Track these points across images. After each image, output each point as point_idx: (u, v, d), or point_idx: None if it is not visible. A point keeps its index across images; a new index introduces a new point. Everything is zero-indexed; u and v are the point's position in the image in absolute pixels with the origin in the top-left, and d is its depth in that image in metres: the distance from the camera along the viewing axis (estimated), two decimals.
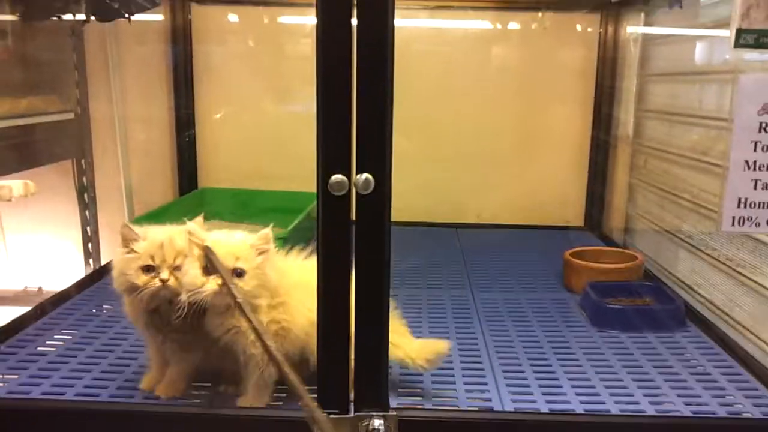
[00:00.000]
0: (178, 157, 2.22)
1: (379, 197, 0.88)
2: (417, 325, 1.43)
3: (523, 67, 2.22)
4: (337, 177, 0.87)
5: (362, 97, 0.86)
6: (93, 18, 1.90)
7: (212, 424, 1.01)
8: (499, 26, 2.19)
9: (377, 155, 0.88)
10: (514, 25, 2.19)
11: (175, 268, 1.04)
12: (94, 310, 1.51)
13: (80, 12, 1.93)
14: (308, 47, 2.15)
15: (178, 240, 1.05)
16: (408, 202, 2.04)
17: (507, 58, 2.23)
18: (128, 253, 1.04)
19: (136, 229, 1.05)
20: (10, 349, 1.28)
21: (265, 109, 2.25)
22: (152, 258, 1.03)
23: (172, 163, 2.23)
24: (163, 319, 1.06)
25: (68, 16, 1.94)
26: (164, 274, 1.03)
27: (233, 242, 1.03)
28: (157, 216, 1.87)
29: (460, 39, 2.21)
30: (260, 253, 1.03)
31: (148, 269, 1.03)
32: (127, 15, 1.87)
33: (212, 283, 0.99)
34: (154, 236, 1.05)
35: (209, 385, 1.15)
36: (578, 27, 2.20)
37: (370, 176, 0.87)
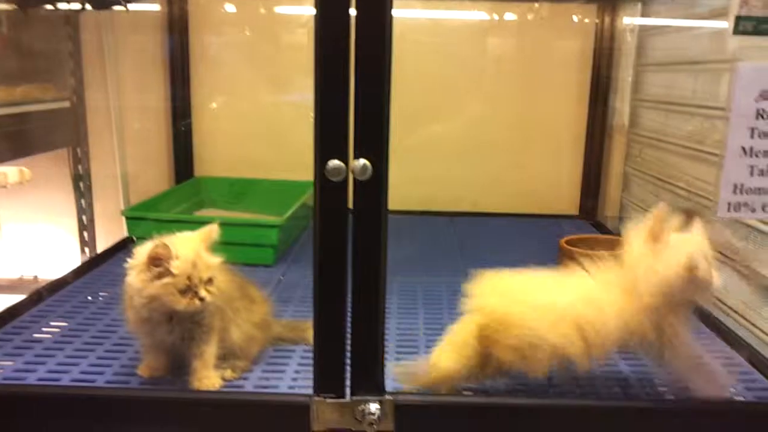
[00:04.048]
0: (174, 146, 2.22)
1: (377, 183, 0.88)
2: (412, 312, 1.44)
3: (519, 57, 2.22)
4: (334, 163, 0.87)
5: (360, 83, 0.86)
6: (88, 6, 1.89)
7: (208, 407, 1.02)
8: (495, 17, 2.18)
9: (375, 141, 0.88)
10: (510, 16, 2.19)
11: (207, 282, 1.02)
12: (89, 298, 1.51)
13: (75, 0, 1.92)
14: (304, 37, 2.15)
15: (204, 254, 1.03)
16: (403, 190, 2.04)
17: (503, 48, 2.23)
18: (163, 274, 0.98)
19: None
20: (5, 336, 1.28)
21: (261, 98, 2.24)
22: (189, 278, 0.99)
23: (168, 152, 2.23)
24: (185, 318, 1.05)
25: (64, 5, 1.93)
26: (202, 293, 1.00)
27: None
28: (152, 205, 1.88)
29: (456, 29, 2.21)
30: None
31: (184, 290, 0.99)
32: (123, 3, 1.86)
33: None
34: (184, 253, 1.00)
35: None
36: (575, 17, 2.20)
37: (367, 162, 0.87)
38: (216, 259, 1.05)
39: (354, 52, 0.85)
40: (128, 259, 1.03)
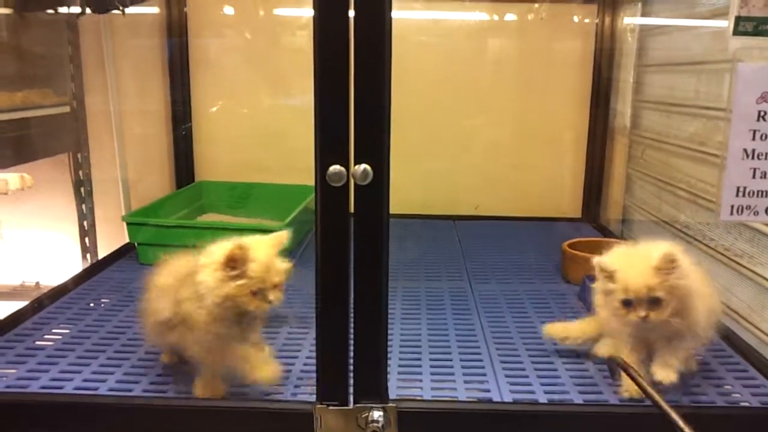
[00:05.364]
0: (175, 151, 2.22)
1: (378, 188, 0.88)
2: (415, 317, 1.44)
3: (520, 58, 2.22)
4: (335, 168, 0.87)
5: (360, 88, 0.86)
6: (88, 10, 1.89)
7: (212, 415, 1.01)
8: (495, 17, 2.18)
9: (375, 146, 0.87)
10: (510, 17, 2.18)
11: (276, 286, 1.02)
12: (92, 304, 1.50)
13: (75, 4, 1.92)
14: (304, 39, 2.15)
15: (276, 259, 1.04)
16: (406, 194, 2.04)
17: (504, 49, 2.22)
18: (239, 276, 0.99)
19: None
20: (7, 344, 1.27)
21: (261, 101, 2.24)
22: (262, 281, 1.00)
23: (168, 157, 2.23)
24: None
25: (63, 9, 1.93)
26: (270, 296, 1.01)
27: (642, 260, 1.01)
28: (153, 210, 1.87)
29: (456, 30, 2.21)
30: (670, 274, 0.99)
31: (255, 292, 1.01)
32: (121, 7, 1.85)
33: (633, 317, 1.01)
34: (259, 257, 1.02)
35: None
36: (575, 18, 2.19)
37: (368, 167, 0.87)
38: (286, 265, 1.06)
39: (354, 55, 0.85)
40: (202, 257, 1.03)
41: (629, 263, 1.03)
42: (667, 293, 0.99)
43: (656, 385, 1.01)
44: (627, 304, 1.01)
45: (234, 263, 0.99)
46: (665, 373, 1.03)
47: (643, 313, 0.99)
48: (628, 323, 1.03)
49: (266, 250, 1.04)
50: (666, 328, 1.02)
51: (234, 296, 0.99)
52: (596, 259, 1.05)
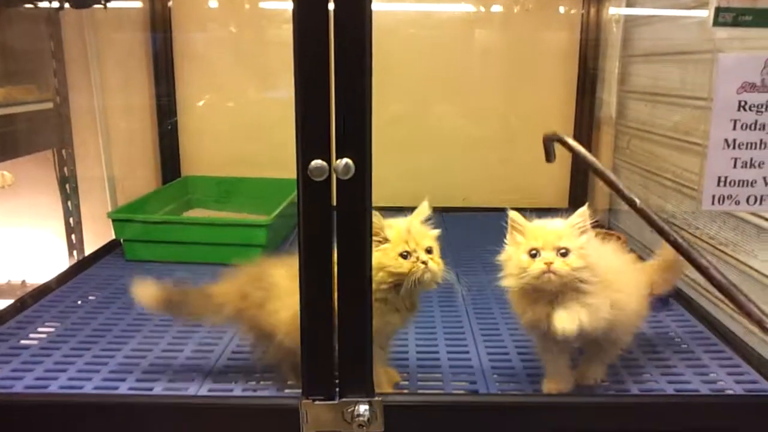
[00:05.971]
0: (161, 146, 2.20)
1: (360, 182, 0.88)
2: None
3: (506, 49, 2.21)
4: (316, 162, 0.86)
5: (341, 82, 0.85)
6: (67, 5, 1.87)
7: (197, 412, 1.01)
8: (482, 9, 2.18)
9: (357, 140, 0.87)
10: (496, 8, 2.18)
11: (426, 250, 1.02)
12: (79, 302, 1.50)
13: None
14: (289, 32, 2.13)
15: (417, 224, 1.05)
16: (393, 186, 2.03)
17: (490, 40, 2.22)
18: (380, 243, 1.01)
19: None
20: None
21: (247, 95, 2.23)
22: (406, 242, 1.01)
23: (154, 152, 2.21)
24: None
25: (44, 4, 1.91)
26: (423, 256, 1.01)
27: (553, 224, 1.02)
28: (139, 206, 1.86)
29: (442, 22, 2.20)
30: (582, 233, 1.00)
31: (404, 255, 1.00)
32: (102, 1, 1.84)
33: (538, 264, 0.98)
34: (396, 223, 1.04)
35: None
36: (561, 8, 2.19)
37: (350, 161, 0.86)
38: (432, 231, 1.06)
39: (334, 48, 0.84)
40: None
41: (542, 223, 1.03)
42: (575, 249, 0.97)
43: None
44: (533, 255, 0.99)
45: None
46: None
47: (549, 259, 0.97)
48: (530, 289, 1.01)
49: (407, 219, 1.05)
50: None
51: (385, 264, 0.99)
52: (510, 212, 1.06)
